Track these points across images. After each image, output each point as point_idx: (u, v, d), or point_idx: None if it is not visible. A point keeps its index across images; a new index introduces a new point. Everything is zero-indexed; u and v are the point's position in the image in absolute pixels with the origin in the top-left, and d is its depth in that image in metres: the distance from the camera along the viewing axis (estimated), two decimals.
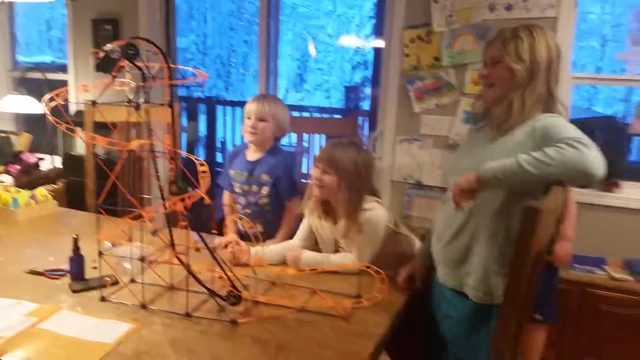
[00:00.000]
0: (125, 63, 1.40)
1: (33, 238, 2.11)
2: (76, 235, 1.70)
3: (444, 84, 2.72)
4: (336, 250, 1.93)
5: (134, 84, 1.44)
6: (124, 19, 3.47)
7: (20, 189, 2.46)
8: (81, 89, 1.50)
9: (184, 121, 5.40)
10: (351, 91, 6.39)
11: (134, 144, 1.51)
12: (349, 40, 9.05)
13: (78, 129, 1.60)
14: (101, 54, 1.39)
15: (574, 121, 1.45)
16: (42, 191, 2.46)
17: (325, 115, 5.84)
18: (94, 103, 1.47)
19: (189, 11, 8.69)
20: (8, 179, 3.38)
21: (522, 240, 0.85)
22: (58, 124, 1.38)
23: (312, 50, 8.99)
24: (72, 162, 3.55)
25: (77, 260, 1.69)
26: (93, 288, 1.64)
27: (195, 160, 1.61)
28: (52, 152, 3.77)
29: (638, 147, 4.25)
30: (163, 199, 1.49)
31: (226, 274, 1.51)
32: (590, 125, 3.59)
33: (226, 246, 1.95)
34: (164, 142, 1.51)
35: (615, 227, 2.56)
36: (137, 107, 1.42)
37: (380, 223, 1.85)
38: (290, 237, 2.09)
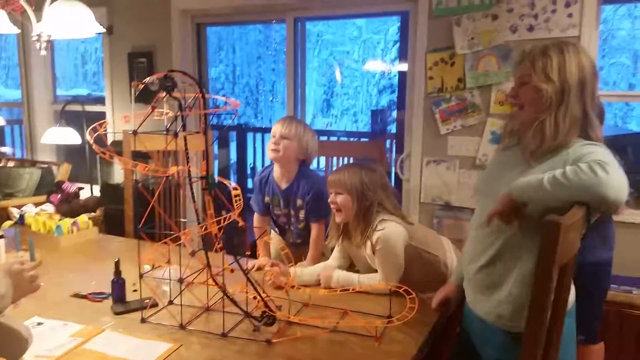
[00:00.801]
0: (163, 94, 1.49)
1: (76, 263, 2.20)
2: (117, 259, 1.78)
3: (469, 105, 2.76)
4: (371, 269, 1.96)
5: (172, 113, 1.53)
6: (157, 52, 3.64)
7: (63, 217, 2.58)
8: (123, 120, 1.59)
9: (216, 148, 5.54)
10: (377, 114, 6.45)
11: (172, 170, 1.59)
12: (375, 65, 9.17)
13: (121, 157, 1.68)
14: (141, 86, 1.48)
15: (604, 138, 1.39)
16: (83, 218, 2.57)
17: (352, 139, 5.91)
18: (135, 132, 1.56)
19: (218, 42, 8.96)
20: (50, 208, 3.53)
21: (544, 255, 0.87)
22: (102, 153, 1.47)
23: (338, 76, 9.13)
24: (110, 191, 3.69)
25: (118, 283, 1.77)
26: (134, 310, 1.70)
27: (229, 185, 1.68)
28: (90, 181, 3.92)
29: None
30: (199, 222, 1.56)
31: (260, 295, 1.56)
32: (621, 142, 3.55)
33: (260, 268, 2.01)
34: (200, 168, 1.59)
35: None
36: (175, 135, 1.50)
37: (393, 240, 1.86)
38: (319, 260, 2.15)
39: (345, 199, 1.90)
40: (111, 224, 3.39)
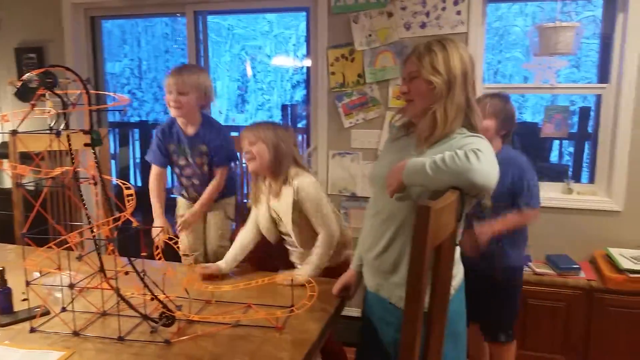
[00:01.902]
0: (44, 91, 1.41)
1: None
2: (1, 268, 1.67)
3: (369, 99, 2.86)
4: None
5: (53, 111, 1.46)
6: (49, 47, 3.42)
7: None
8: (1, 119, 1.49)
9: (114, 148, 5.27)
10: (288, 109, 6.48)
11: (56, 172, 1.52)
12: (287, 60, 9.20)
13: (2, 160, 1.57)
14: (18, 84, 1.40)
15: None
16: None
17: None
18: (14, 132, 1.47)
19: (121, 36, 8.57)
20: None
21: (416, 237, 0.93)
22: None
23: (248, 71, 9.07)
24: (1, 196, 3.44)
25: (3, 293, 1.66)
26: (22, 320, 1.61)
27: (121, 184, 1.63)
28: None
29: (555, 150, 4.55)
30: (90, 224, 1.50)
31: (155, 297, 1.53)
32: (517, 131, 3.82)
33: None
34: (87, 168, 1.52)
35: (537, 226, 2.74)
36: (58, 134, 1.43)
37: (314, 187, 1.98)
38: (208, 205, 2.36)
39: (260, 147, 1.98)
40: (5, 230, 3.17)
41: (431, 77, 1.45)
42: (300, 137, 5.13)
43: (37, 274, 1.74)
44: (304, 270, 1.96)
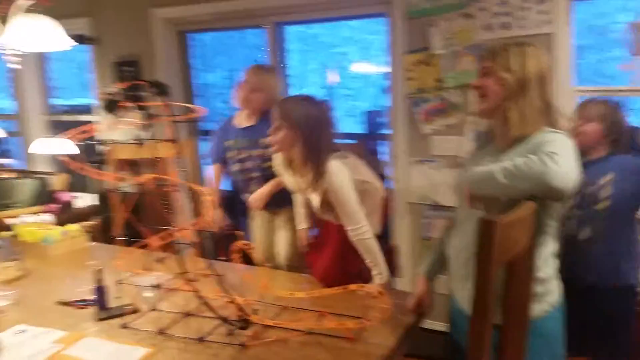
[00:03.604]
0: (128, 104, 1.53)
1: (64, 271, 2.25)
2: (99, 267, 1.83)
3: (449, 105, 2.79)
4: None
5: (138, 122, 1.57)
6: (144, 60, 3.68)
7: (58, 226, 2.62)
8: (92, 130, 1.63)
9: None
10: (370, 115, 6.43)
11: (142, 179, 1.63)
12: (370, 66, 9.19)
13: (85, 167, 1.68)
14: (106, 96, 1.53)
15: None
16: (73, 227, 2.62)
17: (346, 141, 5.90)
18: (101, 142, 1.61)
19: (215, 47, 8.98)
20: (47, 218, 3.58)
21: (480, 253, 0.89)
22: (67, 164, 1.51)
23: (332, 77, 9.16)
24: (106, 199, 3.74)
25: (100, 290, 1.81)
26: (116, 316, 1.75)
27: (201, 190, 1.72)
28: (85, 190, 3.97)
29: None
30: (166, 228, 1.59)
31: (233, 300, 1.59)
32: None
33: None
34: (171, 175, 1.63)
35: None
36: (140, 143, 1.54)
37: (338, 178, 1.82)
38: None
39: (287, 135, 1.85)
40: (108, 232, 3.45)
41: (503, 74, 1.44)
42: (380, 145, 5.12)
43: (130, 274, 1.89)
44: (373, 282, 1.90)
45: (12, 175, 4.21)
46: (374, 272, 1.90)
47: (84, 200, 3.98)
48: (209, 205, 1.64)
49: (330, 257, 2.00)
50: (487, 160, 1.49)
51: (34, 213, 3.33)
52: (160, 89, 1.54)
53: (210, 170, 2.49)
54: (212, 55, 8.95)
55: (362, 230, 1.86)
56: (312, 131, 1.84)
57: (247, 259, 1.87)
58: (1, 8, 1.88)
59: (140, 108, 1.53)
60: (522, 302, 1.22)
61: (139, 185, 1.69)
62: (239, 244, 1.67)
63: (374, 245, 1.88)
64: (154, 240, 1.50)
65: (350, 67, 9.37)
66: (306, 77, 9.23)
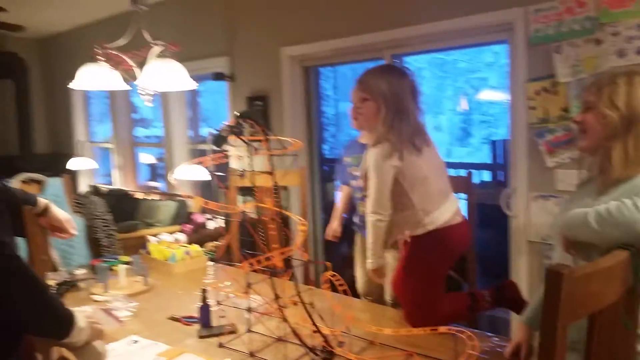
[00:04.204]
0: (233, 137, 1.65)
1: (181, 288, 2.45)
2: (205, 287, 1.97)
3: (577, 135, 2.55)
4: None
5: (242, 155, 1.68)
6: (272, 94, 3.94)
7: (186, 245, 2.88)
8: (204, 162, 1.79)
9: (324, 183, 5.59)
10: (497, 145, 6.10)
11: (243, 207, 1.74)
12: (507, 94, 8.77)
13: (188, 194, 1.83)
14: (214, 132, 1.67)
15: None
16: (196, 247, 2.85)
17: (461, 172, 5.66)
18: (213, 174, 1.75)
19: (351, 77, 9.27)
20: (182, 237, 3.96)
21: (545, 307, 0.79)
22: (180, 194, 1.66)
23: (463, 104, 8.91)
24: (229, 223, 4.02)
25: (204, 309, 1.95)
26: (215, 335, 1.86)
27: (296, 219, 1.78)
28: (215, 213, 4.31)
29: None
30: (251, 254, 1.66)
31: (319, 330, 1.61)
32: None
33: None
34: (268, 204, 1.71)
35: None
36: (242, 175, 1.65)
37: (378, 160, 1.89)
38: None
39: (371, 106, 1.94)
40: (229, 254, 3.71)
41: (606, 111, 1.32)
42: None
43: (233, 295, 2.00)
44: (367, 263, 2.04)
45: (158, 197, 4.72)
46: (367, 255, 2.05)
47: (216, 222, 4.32)
48: (301, 234, 1.68)
49: (398, 270, 2.04)
50: (587, 201, 1.35)
51: (171, 232, 3.69)
52: (260, 126, 1.64)
53: (340, 193, 2.58)
54: (348, 85, 9.24)
55: (376, 218, 1.96)
56: (395, 101, 1.88)
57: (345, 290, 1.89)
58: (139, 54, 2.17)
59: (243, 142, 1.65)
60: None
61: (244, 213, 1.79)
62: (328, 274, 1.69)
63: (380, 236, 1.99)
64: (245, 265, 1.58)
65: (488, 94, 9.05)
66: (441, 102, 9.08)
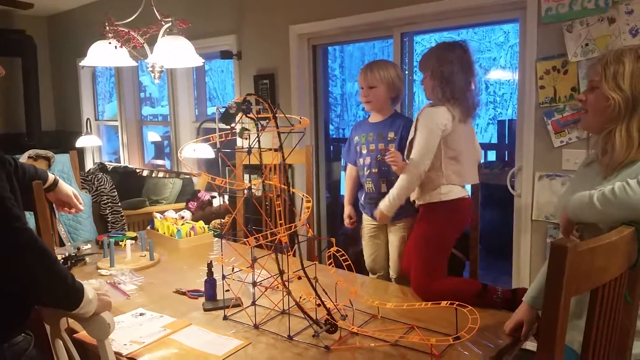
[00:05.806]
0: (240, 115, 1.65)
1: (188, 263, 2.48)
2: (210, 261, 1.99)
3: None
4: None
5: (248, 132, 1.68)
6: (279, 73, 3.92)
7: (190, 222, 2.90)
8: (212, 139, 1.80)
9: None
10: (503, 125, 6.07)
11: (249, 184, 1.74)
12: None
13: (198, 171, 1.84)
14: (222, 109, 1.66)
15: None
16: (201, 224, 2.87)
17: None
18: (219, 150, 1.75)
19: (359, 57, 9.20)
20: (188, 214, 3.99)
21: (549, 280, 0.80)
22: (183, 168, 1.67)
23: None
24: (235, 200, 4.04)
25: (209, 282, 1.97)
26: (220, 308, 1.89)
27: (302, 196, 1.79)
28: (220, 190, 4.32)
29: None
30: (256, 229, 1.68)
31: (323, 304, 1.63)
32: None
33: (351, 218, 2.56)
34: (274, 181, 1.72)
35: None
36: (249, 152, 1.65)
37: (432, 115, 2.06)
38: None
39: (429, 82, 2.12)
40: (234, 230, 3.72)
41: (610, 93, 1.28)
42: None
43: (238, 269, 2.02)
44: (382, 202, 2.11)
45: (164, 174, 4.74)
46: (386, 198, 2.16)
47: (220, 199, 4.33)
48: (306, 211, 1.69)
49: (412, 238, 2.17)
50: (591, 182, 1.35)
51: (177, 210, 3.72)
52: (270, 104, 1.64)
53: (347, 171, 2.58)
54: (357, 65, 9.18)
55: (416, 169, 2.06)
56: (447, 75, 2.05)
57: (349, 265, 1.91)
58: (148, 31, 2.16)
59: (251, 119, 1.65)
60: (621, 340, 1.07)
61: (250, 189, 1.79)
62: (332, 249, 1.70)
63: (409, 188, 2.11)
64: (251, 240, 1.59)
65: (497, 73, 8.98)
66: None
